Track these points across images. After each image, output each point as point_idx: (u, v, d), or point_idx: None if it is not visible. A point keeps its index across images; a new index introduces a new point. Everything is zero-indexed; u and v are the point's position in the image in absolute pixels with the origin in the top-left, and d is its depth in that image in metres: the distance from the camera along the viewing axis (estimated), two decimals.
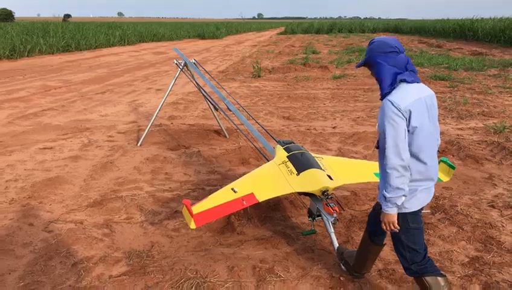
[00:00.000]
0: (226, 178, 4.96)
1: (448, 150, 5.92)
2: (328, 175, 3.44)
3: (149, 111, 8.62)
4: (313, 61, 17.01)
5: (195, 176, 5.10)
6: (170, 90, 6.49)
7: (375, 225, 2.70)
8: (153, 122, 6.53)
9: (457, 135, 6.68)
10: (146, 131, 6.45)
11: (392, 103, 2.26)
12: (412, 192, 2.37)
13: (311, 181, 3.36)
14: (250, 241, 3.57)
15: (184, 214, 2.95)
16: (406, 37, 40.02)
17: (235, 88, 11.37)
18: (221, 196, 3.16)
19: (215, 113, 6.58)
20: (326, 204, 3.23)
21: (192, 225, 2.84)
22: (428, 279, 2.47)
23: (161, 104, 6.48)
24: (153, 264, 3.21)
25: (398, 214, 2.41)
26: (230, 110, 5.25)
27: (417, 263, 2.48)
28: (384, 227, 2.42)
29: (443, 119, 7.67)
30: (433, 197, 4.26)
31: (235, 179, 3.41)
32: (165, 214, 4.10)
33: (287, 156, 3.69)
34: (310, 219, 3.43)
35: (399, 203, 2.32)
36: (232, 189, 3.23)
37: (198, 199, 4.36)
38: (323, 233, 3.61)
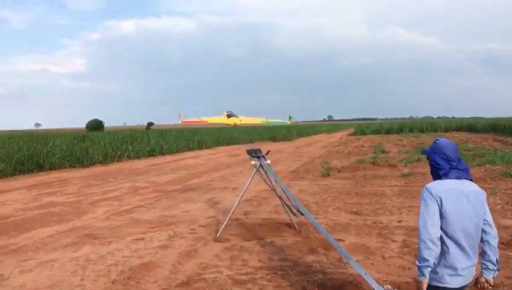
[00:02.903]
0: (297, 265, 5.49)
1: None
2: None
3: (226, 207, 9.44)
4: (382, 160, 17.45)
5: (268, 263, 5.67)
6: (246, 190, 7.28)
7: None
8: (230, 217, 7.28)
9: None
10: (224, 224, 7.19)
11: (426, 188, 2.89)
12: (453, 270, 2.83)
13: None
14: None
15: None
16: (480, 135, 39.41)
17: (305, 186, 12.06)
18: None
19: (286, 209, 7.24)
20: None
21: None
22: None
23: (238, 200, 7.25)
24: None
25: (440, 287, 2.85)
26: (299, 210, 5.90)
27: None
28: None
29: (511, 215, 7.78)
30: None
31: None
32: None
33: None
34: None
35: (425, 273, 2.79)
36: None
37: (271, 281, 4.92)
38: None
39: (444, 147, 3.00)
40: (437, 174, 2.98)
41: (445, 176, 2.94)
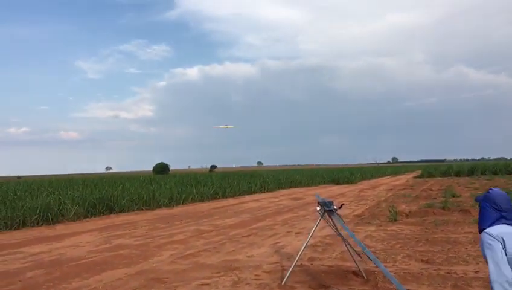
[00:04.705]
0: None
1: None
2: None
3: (290, 253, 9.30)
4: (453, 205, 16.61)
5: None
6: (311, 236, 7.15)
7: None
8: (296, 263, 7.14)
9: None
10: (289, 271, 7.05)
11: (486, 233, 3.02)
12: None
13: None
14: None
15: None
16: None
17: (372, 232, 11.67)
18: None
19: (353, 256, 7.01)
20: None
21: None
22: None
23: (303, 247, 7.11)
24: None
25: None
26: (367, 256, 5.69)
27: None
28: None
29: None
30: None
31: None
32: None
33: None
34: None
35: None
36: None
37: None
38: None
39: (496, 197, 3.20)
40: (486, 222, 3.12)
41: (494, 224, 3.05)
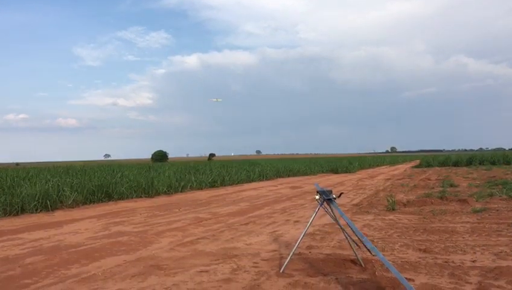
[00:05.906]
0: None
1: None
2: None
3: (288, 241, 9.34)
4: (451, 194, 16.67)
5: None
6: (310, 224, 7.18)
7: None
8: (294, 251, 7.17)
9: None
10: (288, 259, 7.09)
11: None
12: None
13: None
14: None
15: None
16: None
17: (370, 221, 11.71)
18: None
19: (351, 244, 7.04)
20: None
21: None
22: None
23: (302, 235, 7.14)
24: None
25: None
26: (364, 243, 5.72)
27: None
28: None
29: None
30: None
31: None
32: None
33: None
34: None
35: None
36: None
37: None
38: None
39: None
40: None
41: None
